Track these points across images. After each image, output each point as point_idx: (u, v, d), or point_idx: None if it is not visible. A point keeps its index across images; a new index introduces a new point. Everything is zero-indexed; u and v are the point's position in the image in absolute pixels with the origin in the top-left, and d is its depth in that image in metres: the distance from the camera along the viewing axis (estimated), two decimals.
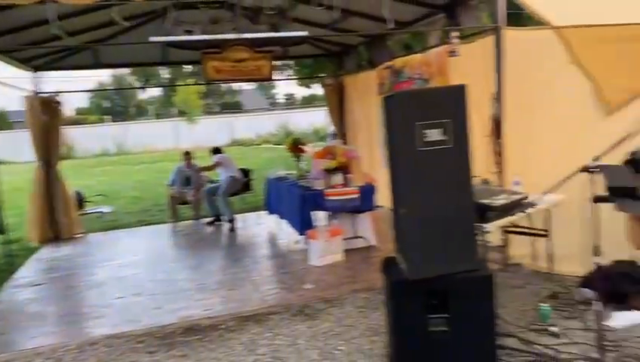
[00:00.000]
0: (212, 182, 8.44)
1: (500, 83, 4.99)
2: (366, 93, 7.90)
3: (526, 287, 4.42)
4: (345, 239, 5.79)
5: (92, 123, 34.05)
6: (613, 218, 2.86)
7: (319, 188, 5.79)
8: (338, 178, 5.87)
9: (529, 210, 3.87)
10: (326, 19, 6.75)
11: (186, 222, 8.41)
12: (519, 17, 6.22)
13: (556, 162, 4.31)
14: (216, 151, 8.24)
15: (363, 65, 8.83)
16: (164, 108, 40.77)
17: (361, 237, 6.01)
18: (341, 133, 9.20)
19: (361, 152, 7.16)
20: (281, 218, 6.88)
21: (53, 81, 8.09)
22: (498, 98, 5.01)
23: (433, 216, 2.75)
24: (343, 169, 5.94)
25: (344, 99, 9.14)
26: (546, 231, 4.38)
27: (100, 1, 5.07)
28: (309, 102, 35.23)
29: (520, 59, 4.85)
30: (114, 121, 35.68)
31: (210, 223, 8.05)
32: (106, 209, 9.10)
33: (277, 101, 50.28)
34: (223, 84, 35.27)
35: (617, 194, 2.65)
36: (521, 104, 4.88)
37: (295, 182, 6.47)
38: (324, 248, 5.50)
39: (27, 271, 6.13)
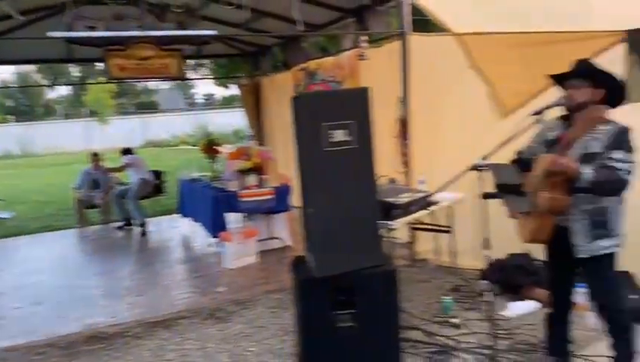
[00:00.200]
0: (122, 184, 8.08)
1: (406, 86, 5.18)
2: (282, 94, 7.90)
3: (431, 281, 4.62)
4: (260, 240, 5.76)
5: None
6: (505, 213, 3.06)
7: (233, 190, 5.73)
8: (252, 179, 5.82)
9: (432, 208, 4.08)
10: (238, 18, 6.70)
11: (95, 226, 8.00)
12: (427, 23, 6.50)
13: (459, 161, 4.43)
14: (127, 152, 7.88)
15: (278, 67, 8.86)
16: (74, 108, 38.40)
17: (276, 238, 6.01)
18: (258, 133, 9.17)
19: (278, 153, 7.18)
20: (195, 221, 6.71)
21: None
22: (404, 100, 5.20)
23: (339, 215, 2.80)
24: (258, 170, 5.89)
25: (260, 99, 9.12)
26: (448, 227, 4.63)
27: None
28: (229, 102, 34.57)
29: (425, 63, 5.05)
30: (18, 121, 33.19)
31: (120, 228, 7.70)
32: (5, 214, 8.53)
33: (196, 101, 49.03)
34: (137, 83, 34.07)
35: (504, 191, 2.85)
36: (426, 106, 5.08)
37: (209, 184, 6.35)
38: (238, 250, 5.44)
39: None
